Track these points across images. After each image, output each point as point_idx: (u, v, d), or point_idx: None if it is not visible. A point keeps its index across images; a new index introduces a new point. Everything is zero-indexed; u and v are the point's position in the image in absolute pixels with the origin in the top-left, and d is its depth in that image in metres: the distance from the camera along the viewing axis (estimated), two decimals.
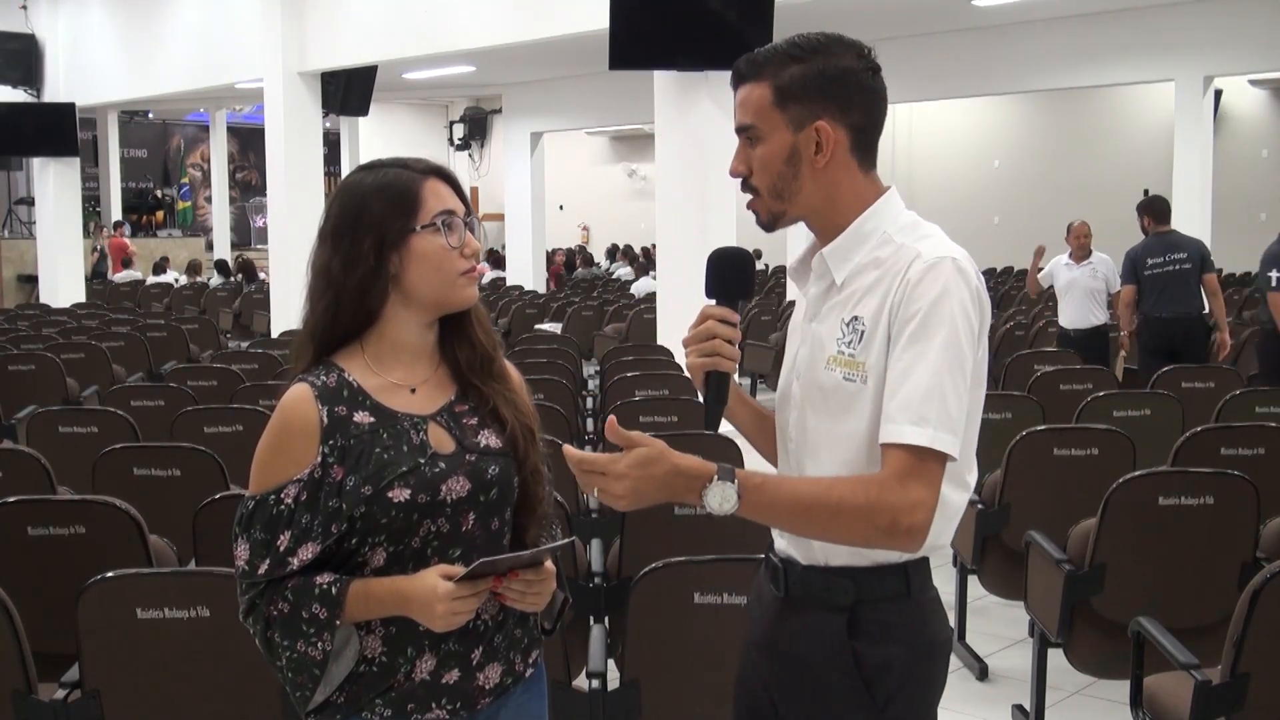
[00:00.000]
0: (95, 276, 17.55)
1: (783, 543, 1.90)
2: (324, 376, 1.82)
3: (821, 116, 1.79)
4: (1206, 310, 7.65)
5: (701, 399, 1.84)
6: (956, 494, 1.82)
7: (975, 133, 20.31)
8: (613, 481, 1.67)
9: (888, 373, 1.73)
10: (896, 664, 1.79)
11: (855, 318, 1.78)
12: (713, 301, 1.84)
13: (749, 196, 1.86)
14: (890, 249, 1.79)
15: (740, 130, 1.85)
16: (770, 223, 1.87)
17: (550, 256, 18.76)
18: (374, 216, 1.80)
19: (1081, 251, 8.26)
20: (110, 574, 2.72)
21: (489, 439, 1.86)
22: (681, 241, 7.80)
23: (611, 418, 1.71)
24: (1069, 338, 8.29)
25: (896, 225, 1.83)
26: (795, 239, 9.56)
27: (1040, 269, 8.59)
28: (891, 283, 1.76)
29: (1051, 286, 8.57)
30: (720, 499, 1.66)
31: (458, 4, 9.58)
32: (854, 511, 1.68)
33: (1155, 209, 7.76)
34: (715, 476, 1.67)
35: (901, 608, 1.81)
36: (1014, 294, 14.68)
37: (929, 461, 1.69)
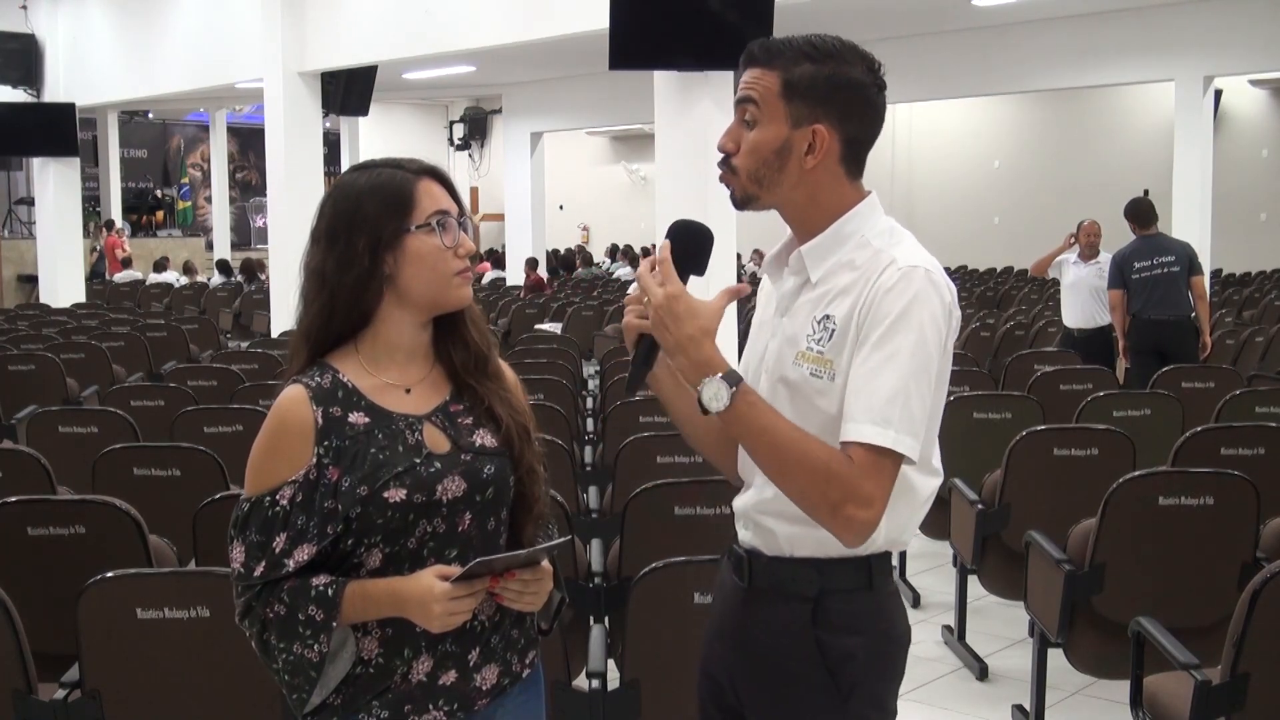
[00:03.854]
0: (95, 276, 17.54)
1: (747, 534, 1.93)
2: (318, 378, 1.81)
3: (821, 120, 1.80)
4: (1194, 313, 7.65)
5: (630, 358, 1.85)
6: (926, 481, 1.86)
7: (975, 133, 20.31)
8: (665, 289, 1.72)
9: (851, 371, 1.76)
10: (860, 654, 1.83)
11: (827, 316, 1.81)
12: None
13: (721, 170, 1.87)
14: (867, 253, 1.82)
15: (741, 102, 1.84)
16: (742, 202, 1.89)
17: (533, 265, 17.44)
18: (368, 217, 1.79)
19: (1090, 250, 8.27)
20: (110, 574, 2.72)
21: (484, 438, 1.86)
22: None
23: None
24: (1073, 338, 8.29)
25: (875, 230, 1.85)
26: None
27: (1058, 257, 8.59)
28: (865, 286, 1.78)
29: (1055, 280, 8.56)
30: (714, 394, 1.71)
31: (458, 4, 9.58)
32: (816, 470, 1.71)
33: (1137, 212, 7.75)
34: (723, 374, 1.71)
35: (864, 600, 1.85)
36: (1014, 294, 14.66)
37: (886, 462, 1.72)
